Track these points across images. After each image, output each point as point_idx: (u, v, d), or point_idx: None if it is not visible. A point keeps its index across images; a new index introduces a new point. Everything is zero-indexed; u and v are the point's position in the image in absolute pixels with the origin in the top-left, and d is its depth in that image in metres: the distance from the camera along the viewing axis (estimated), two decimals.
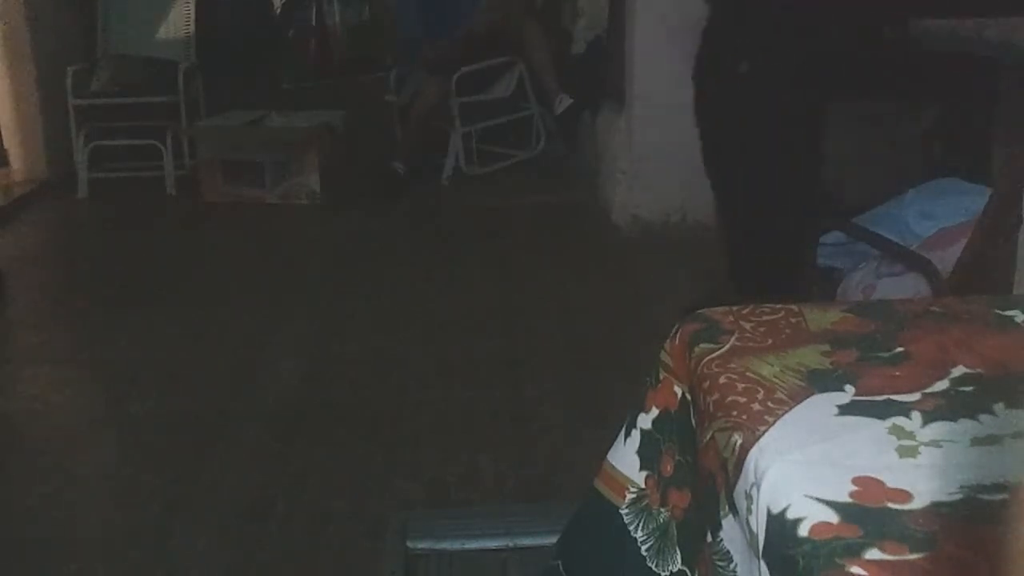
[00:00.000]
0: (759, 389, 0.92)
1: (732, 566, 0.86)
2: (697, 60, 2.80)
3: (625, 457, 1.11)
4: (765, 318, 1.09)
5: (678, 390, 1.05)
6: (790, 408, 0.89)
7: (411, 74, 5.17)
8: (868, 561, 0.70)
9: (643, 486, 1.08)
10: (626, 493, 1.09)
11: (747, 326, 1.06)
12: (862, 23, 2.59)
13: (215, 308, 3.46)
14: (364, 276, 3.81)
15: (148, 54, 5.17)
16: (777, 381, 0.94)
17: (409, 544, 1.64)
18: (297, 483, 2.33)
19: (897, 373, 0.95)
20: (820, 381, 0.94)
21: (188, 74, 5.07)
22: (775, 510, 0.76)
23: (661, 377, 1.08)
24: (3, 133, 5.20)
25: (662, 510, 1.04)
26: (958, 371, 0.94)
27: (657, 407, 1.08)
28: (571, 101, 5.03)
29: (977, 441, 0.84)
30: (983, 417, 0.87)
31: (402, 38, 5.62)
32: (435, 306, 3.47)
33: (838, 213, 2.79)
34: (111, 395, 2.89)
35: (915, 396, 0.90)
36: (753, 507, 0.79)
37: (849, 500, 0.76)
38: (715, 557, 0.88)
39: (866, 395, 0.91)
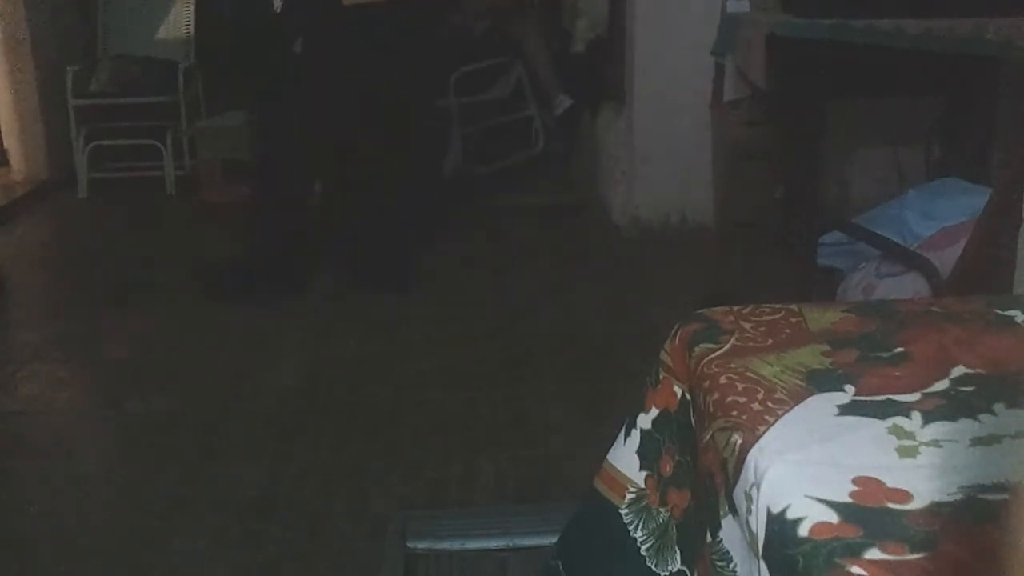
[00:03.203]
0: (759, 389, 0.92)
1: (732, 566, 0.86)
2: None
3: (625, 457, 1.11)
4: (765, 318, 1.09)
5: (678, 390, 1.05)
6: (790, 408, 0.89)
7: None
8: (868, 561, 0.70)
9: (643, 486, 1.08)
10: (626, 493, 1.09)
11: (747, 326, 1.06)
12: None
13: (215, 308, 3.46)
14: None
15: (148, 54, 5.17)
16: (777, 381, 0.94)
17: (409, 544, 1.64)
18: (297, 483, 2.33)
19: (897, 373, 0.95)
20: (820, 381, 0.94)
21: (188, 74, 5.07)
22: (775, 510, 0.76)
23: (661, 377, 1.08)
24: (3, 133, 5.20)
25: (662, 510, 1.04)
26: (958, 371, 0.94)
27: (657, 407, 1.08)
28: (571, 102, 5.04)
29: (977, 441, 0.84)
30: (983, 417, 0.87)
31: None
32: (435, 306, 3.47)
33: None
34: (111, 395, 2.88)
35: (915, 396, 0.90)
36: (753, 507, 0.79)
37: (849, 500, 0.76)
38: (715, 557, 0.88)
39: (866, 395, 0.91)
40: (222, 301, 3.44)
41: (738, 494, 0.83)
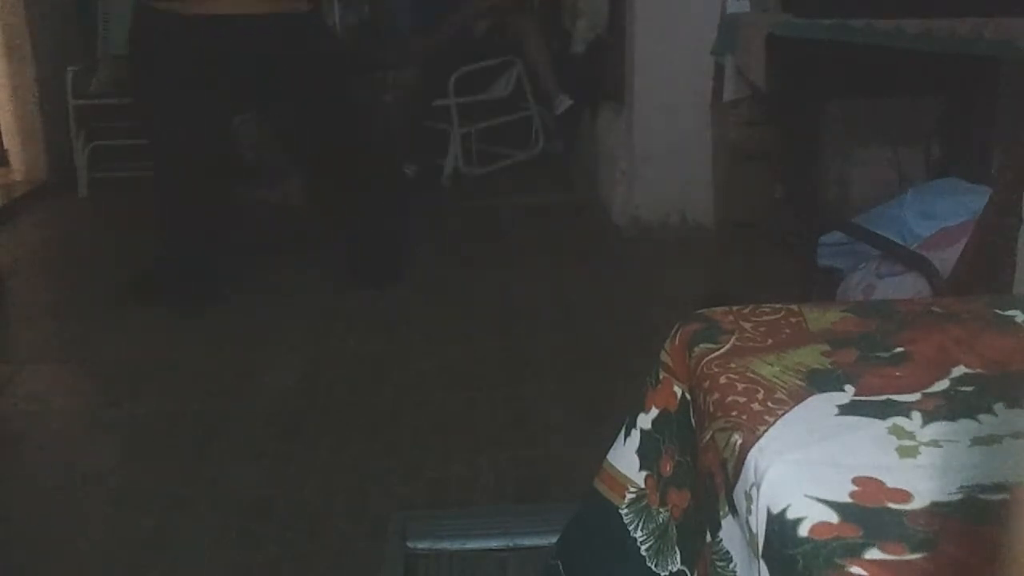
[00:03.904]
0: (759, 389, 0.92)
1: (731, 566, 0.86)
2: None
3: (625, 457, 1.11)
4: (765, 318, 1.09)
5: (678, 390, 1.05)
6: (790, 408, 0.89)
7: (401, 71, 5.17)
8: (868, 561, 0.70)
9: (643, 486, 1.08)
10: (626, 493, 1.09)
11: (747, 326, 1.06)
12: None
13: (215, 308, 3.46)
14: None
15: None
16: (777, 381, 0.94)
17: (409, 544, 1.64)
18: (297, 483, 2.33)
19: (897, 373, 0.95)
20: (820, 381, 0.94)
21: None
22: (775, 510, 0.76)
23: (661, 377, 1.08)
24: (3, 133, 5.19)
25: (661, 510, 1.04)
26: (958, 371, 0.94)
27: (657, 407, 1.08)
28: (571, 102, 5.04)
29: (977, 441, 0.84)
30: (983, 417, 0.87)
31: (398, 37, 5.62)
32: (435, 306, 3.47)
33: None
34: (111, 395, 2.88)
35: (915, 396, 0.90)
36: (753, 507, 0.79)
37: (849, 500, 0.76)
38: (714, 557, 0.88)
39: (866, 395, 0.91)
40: (137, 304, 3.47)
41: (738, 494, 0.83)
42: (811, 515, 0.74)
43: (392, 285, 3.59)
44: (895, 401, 0.90)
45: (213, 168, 3.58)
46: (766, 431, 0.85)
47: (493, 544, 1.64)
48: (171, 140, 3.43)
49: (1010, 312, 1.08)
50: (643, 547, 1.05)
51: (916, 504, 0.75)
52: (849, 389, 0.92)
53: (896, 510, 0.75)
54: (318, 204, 3.83)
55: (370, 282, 3.60)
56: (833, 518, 0.74)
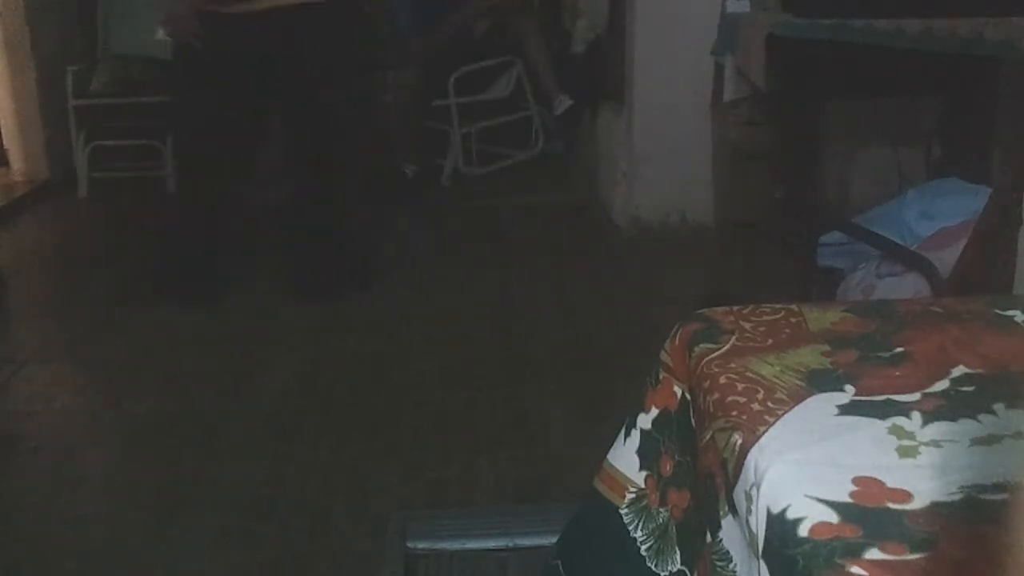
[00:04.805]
0: (759, 389, 0.92)
1: (731, 566, 0.86)
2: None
3: (625, 457, 1.11)
4: (765, 318, 1.09)
5: (678, 390, 1.05)
6: (790, 408, 0.89)
7: (401, 71, 5.17)
8: (868, 561, 0.70)
9: (643, 486, 1.08)
10: (626, 493, 1.09)
11: (747, 326, 1.06)
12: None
13: (215, 308, 3.46)
14: None
15: (148, 54, 5.16)
16: (777, 381, 0.94)
17: (409, 544, 1.64)
18: (297, 483, 2.33)
19: (897, 373, 0.95)
20: (820, 381, 0.94)
21: None
22: (775, 510, 0.76)
23: (661, 377, 1.08)
24: (3, 133, 5.20)
25: (661, 510, 1.04)
26: (958, 371, 0.94)
27: (657, 407, 1.08)
28: (571, 102, 5.04)
29: (977, 441, 0.84)
30: (983, 417, 0.87)
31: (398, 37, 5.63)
32: (435, 306, 3.47)
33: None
34: (111, 395, 2.89)
35: (915, 396, 0.90)
36: (753, 507, 0.79)
37: (849, 500, 0.76)
38: (714, 557, 0.88)
39: (866, 395, 0.91)
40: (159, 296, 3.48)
41: (738, 494, 0.83)
42: (811, 515, 0.74)
43: (331, 302, 3.48)
44: (895, 401, 0.90)
45: (232, 170, 3.57)
46: (766, 431, 0.85)
47: (493, 544, 1.64)
48: (204, 142, 3.42)
49: (1010, 312, 1.08)
50: (643, 547, 1.05)
51: (916, 504, 0.75)
52: (849, 389, 0.92)
53: (896, 510, 0.75)
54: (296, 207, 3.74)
55: (308, 298, 3.50)
56: (833, 518, 0.74)
